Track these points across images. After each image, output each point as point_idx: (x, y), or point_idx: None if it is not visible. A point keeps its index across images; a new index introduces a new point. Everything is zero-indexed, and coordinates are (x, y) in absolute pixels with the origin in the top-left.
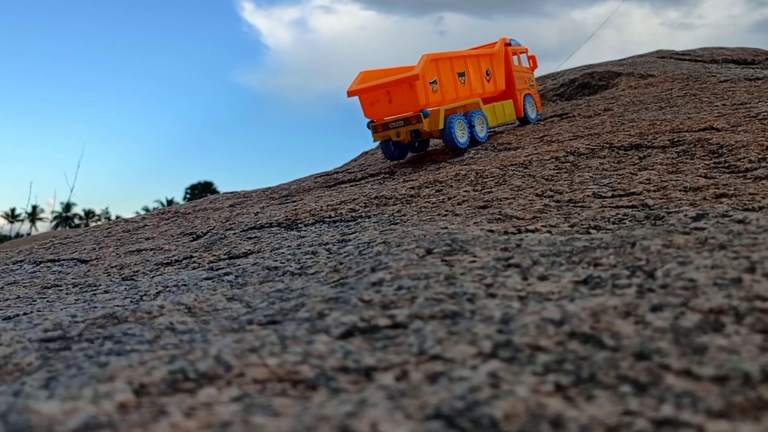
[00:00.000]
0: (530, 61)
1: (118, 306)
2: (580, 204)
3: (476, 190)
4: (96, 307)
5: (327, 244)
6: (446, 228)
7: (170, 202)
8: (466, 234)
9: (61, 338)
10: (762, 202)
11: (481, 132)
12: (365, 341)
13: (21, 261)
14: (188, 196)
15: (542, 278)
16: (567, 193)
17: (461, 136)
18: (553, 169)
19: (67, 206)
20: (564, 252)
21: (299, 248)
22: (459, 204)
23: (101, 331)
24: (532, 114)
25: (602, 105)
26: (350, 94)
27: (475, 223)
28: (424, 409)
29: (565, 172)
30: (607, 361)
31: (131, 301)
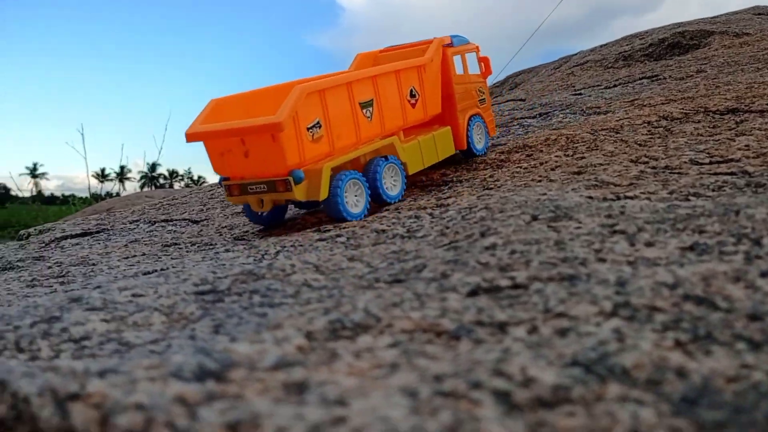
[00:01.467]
0: (481, 64)
1: (247, 264)
2: (677, 171)
3: (567, 155)
4: (224, 265)
5: (426, 208)
6: (545, 194)
7: None
8: (566, 200)
9: (212, 291)
10: None
11: (392, 189)
12: (491, 299)
13: (137, 221)
14: None
15: (649, 244)
16: (663, 159)
17: (354, 205)
18: (646, 135)
19: (153, 167)
20: (667, 219)
21: (399, 212)
22: (552, 169)
23: (245, 286)
24: (479, 144)
25: (694, 66)
26: (190, 138)
27: (573, 189)
28: (562, 358)
29: (659, 138)
30: (722, 321)
31: (255, 260)
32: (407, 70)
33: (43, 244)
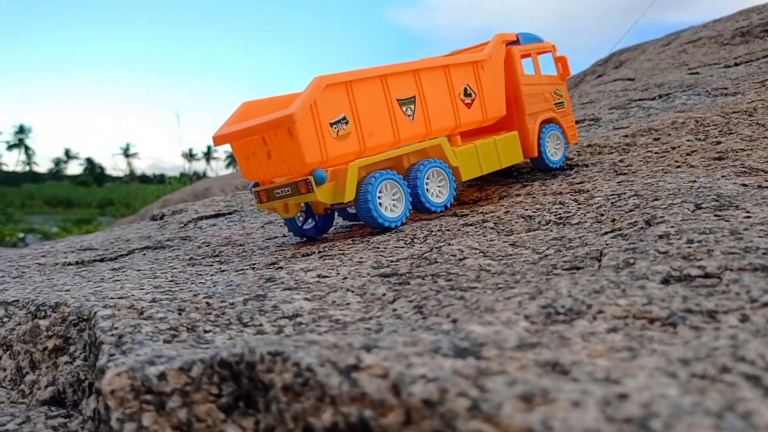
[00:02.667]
0: (558, 65)
1: (410, 249)
2: None
3: (700, 140)
4: (384, 249)
5: (562, 194)
6: (695, 181)
7: None
8: (723, 188)
9: (394, 274)
10: None
11: (437, 196)
12: (688, 288)
13: None
14: None
15: None
16: None
17: (391, 209)
18: None
19: None
20: None
21: (534, 197)
22: (688, 155)
23: (424, 270)
24: (555, 155)
25: None
26: (216, 141)
27: (723, 176)
28: None
29: None
30: None
31: (406, 244)
32: (460, 66)
33: (182, 224)
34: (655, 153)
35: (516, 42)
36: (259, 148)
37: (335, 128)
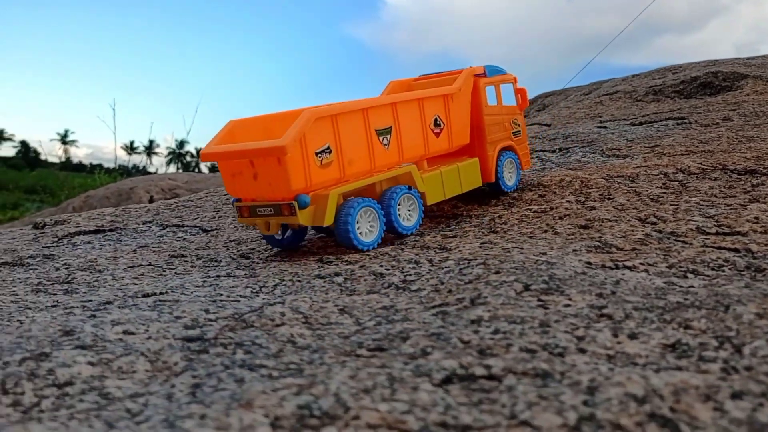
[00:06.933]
0: (518, 96)
1: (242, 300)
2: (681, 238)
3: (579, 202)
4: (221, 299)
5: (429, 248)
6: (545, 254)
7: None
8: (563, 267)
9: (199, 339)
10: None
11: (407, 220)
12: (462, 392)
13: (149, 222)
14: None
15: (632, 336)
16: (671, 222)
17: (368, 233)
18: (661, 188)
19: (181, 144)
20: (657, 307)
21: (402, 250)
22: (561, 218)
23: (232, 336)
24: (510, 180)
25: (722, 112)
26: (204, 157)
27: (574, 250)
28: None
29: (672, 194)
30: None
31: (252, 292)
32: (432, 99)
33: (56, 239)
34: (533, 212)
35: (483, 74)
36: (246, 169)
37: (319, 157)
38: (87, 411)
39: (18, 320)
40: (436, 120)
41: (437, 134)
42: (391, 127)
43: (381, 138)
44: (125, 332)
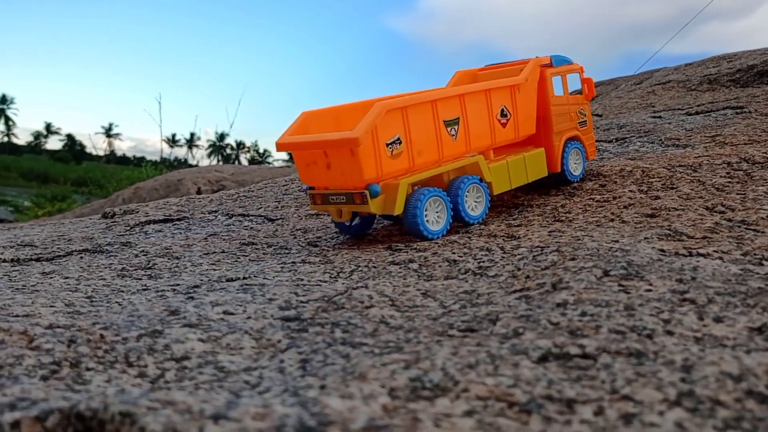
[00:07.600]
0: (584, 86)
1: (326, 285)
2: (753, 227)
3: (642, 191)
4: (305, 284)
5: (496, 236)
6: (617, 242)
7: None
8: (639, 254)
9: (296, 319)
10: None
11: (474, 209)
12: (561, 369)
13: (215, 211)
14: None
15: (717, 320)
16: (740, 210)
17: (434, 223)
18: (725, 177)
19: (222, 136)
20: (739, 292)
21: (470, 238)
22: (625, 207)
23: (327, 317)
24: (575, 170)
25: None
26: (279, 147)
27: (645, 238)
28: None
29: (738, 183)
30: None
31: (330, 277)
32: (499, 90)
33: (128, 227)
34: (597, 201)
35: (549, 64)
36: (320, 159)
37: (390, 148)
38: (209, 382)
39: (116, 302)
40: (502, 110)
41: (504, 124)
42: (458, 118)
43: (449, 129)
44: (225, 312)
